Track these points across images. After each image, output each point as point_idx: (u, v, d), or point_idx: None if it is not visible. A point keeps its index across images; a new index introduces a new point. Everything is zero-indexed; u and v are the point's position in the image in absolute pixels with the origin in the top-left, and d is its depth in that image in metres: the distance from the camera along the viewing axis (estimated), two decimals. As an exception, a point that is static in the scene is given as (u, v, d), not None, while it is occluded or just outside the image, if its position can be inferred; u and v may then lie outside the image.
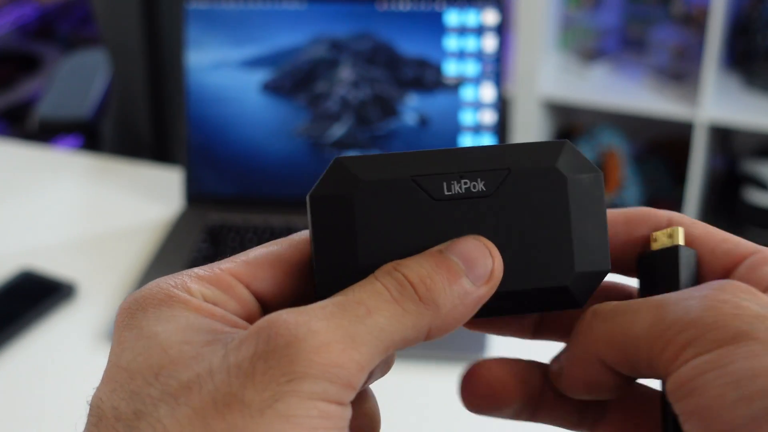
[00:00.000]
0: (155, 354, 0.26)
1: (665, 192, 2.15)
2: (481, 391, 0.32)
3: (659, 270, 0.30)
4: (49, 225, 1.12)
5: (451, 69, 1.07)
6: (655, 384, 0.30)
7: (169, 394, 0.25)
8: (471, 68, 1.07)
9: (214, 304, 0.28)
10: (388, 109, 1.09)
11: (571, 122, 2.27)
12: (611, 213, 0.32)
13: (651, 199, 2.15)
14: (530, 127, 2.02)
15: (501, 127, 1.08)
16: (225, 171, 1.11)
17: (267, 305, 0.30)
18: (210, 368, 0.25)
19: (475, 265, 0.28)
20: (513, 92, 1.99)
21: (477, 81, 1.07)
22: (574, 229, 0.30)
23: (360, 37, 1.09)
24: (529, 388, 0.32)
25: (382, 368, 0.31)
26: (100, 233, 1.09)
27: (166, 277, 0.29)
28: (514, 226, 0.30)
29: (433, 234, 0.29)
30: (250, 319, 0.29)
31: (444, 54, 1.07)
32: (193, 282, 0.28)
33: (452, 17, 1.07)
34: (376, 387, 0.31)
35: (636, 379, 0.29)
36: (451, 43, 1.07)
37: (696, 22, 2.06)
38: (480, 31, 1.07)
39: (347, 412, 0.26)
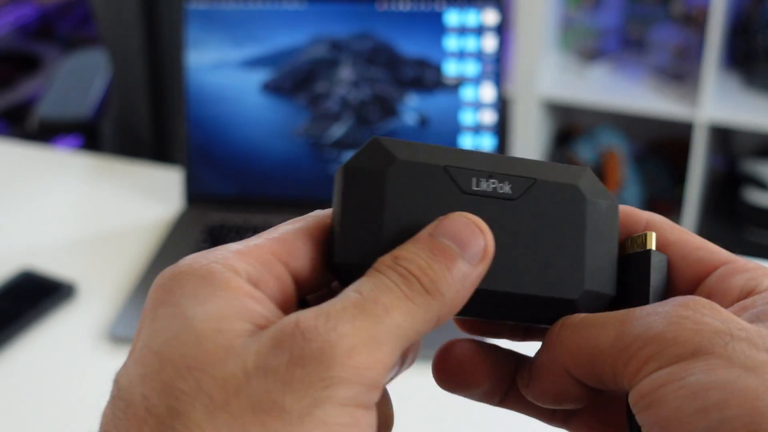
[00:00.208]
0: (189, 342, 0.25)
1: (665, 192, 2.15)
2: (451, 367, 0.33)
3: (631, 273, 0.31)
4: (49, 225, 1.12)
5: (451, 69, 1.07)
6: None
7: (205, 393, 0.24)
8: (471, 68, 1.07)
9: (256, 284, 0.28)
10: (388, 109, 1.09)
11: (571, 122, 2.27)
12: None
13: (651, 199, 2.15)
14: (530, 127, 2.02)
15: (501, 127, 1.09)
16: (225, 171, 1.11)
17: (301, 284, 0.30)
18: (245, 369, 0.25)
19: (469, 245, 0.29)
20: (513, 92, 1.99)
21: (477, 81, 1.07)
22: (588, 248, 0.31)
23: (360, 37, 1.09)
24: (499, 372, 0.32)
25: (408, 362, 0.31)
26: (100, 233, 1.09)
27: (206, 251, 0.28)
28: (532, 233, 0.30)
29: None
30: (285, 302, 0.28)
31: (444, 54, 1.07)
32: (236, 258, 0.28)
33: (452, 17, 1.07)
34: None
35: (602, 390, 0.29)
36: (451, 43, 1.07)
37: (696, 22, 2.06)
38: (480, 31, 1.07)
39: (373, 418, 0.26)
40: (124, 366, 0.26)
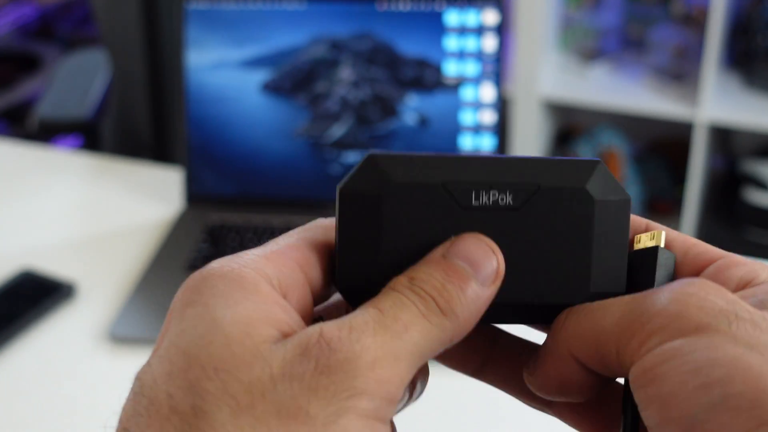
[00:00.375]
0: (217, 343, 0.26)
1: (665, 192, 2.15)
2: None
3: (638, 268, 0.31)
4: (49, 225, 1.12)
5: (451, 69, 1.07)
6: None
7: (230, 395, 0.25)
8: (471, 68, 1.07)
9: (284, 292, 0.28)
10: (388, 109, 1.09)
11: (571, 122, 2.28)
12: None
13: (651, 199, 2.15)
14: (530, 127, 2.02)
15: (501, 128, 1.09)
16: (225, 171, 1.11)
17: (314, 294, 0.30)
18: (271, 374, 0.25)
19: (481, 267, 0.29)
20: (513, 92, 1.99)
21: (477, 81, 1.07)
22: (595, 251, 0.30)
23: (360, 37, 1.09)
24: (473, 342, 0.32)
25: (417, 391, 0.31)
26: (100, 233, 1.09)
27: (234, 255, 0.29)
28: (536, 242, 0.30)
29: None
30: (305, 311, 0.29)
31: (444, 54, 1.07)
32: (265, 264, 0.28)
33: (452, 17, 1.07)
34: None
35: (606, 378, 0.30)
36: (451, 43, 1.07)
37: (696, 22, 2.06)
38: (480, 31, 1.07)
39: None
40: (148, 363, 0.27)
